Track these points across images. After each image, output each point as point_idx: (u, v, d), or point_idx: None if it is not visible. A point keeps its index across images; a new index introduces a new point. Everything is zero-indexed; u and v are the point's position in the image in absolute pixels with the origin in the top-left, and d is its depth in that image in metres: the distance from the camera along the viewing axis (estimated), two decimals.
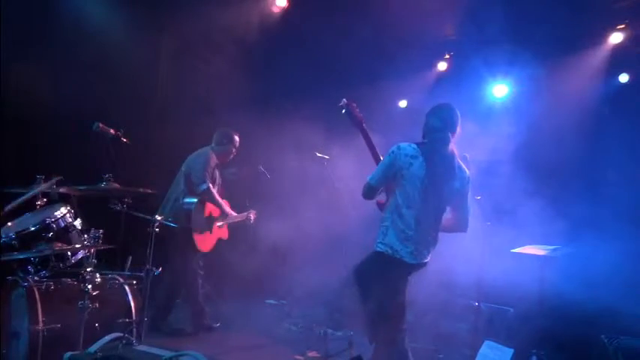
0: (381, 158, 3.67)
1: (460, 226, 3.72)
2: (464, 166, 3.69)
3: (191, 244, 5.13)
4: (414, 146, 3.56)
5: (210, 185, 5.19)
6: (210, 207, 5.37)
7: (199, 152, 5.36)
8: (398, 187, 3.55)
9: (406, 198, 3.52)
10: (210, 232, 5.39)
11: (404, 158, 3.51)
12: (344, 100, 3.84)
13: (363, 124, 3.78)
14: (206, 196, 5.20)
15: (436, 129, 3.60)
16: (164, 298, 5.24)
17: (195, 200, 5.17)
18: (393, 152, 3.54)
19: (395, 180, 3.56)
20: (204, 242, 5.30)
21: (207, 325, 5.39)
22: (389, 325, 3.57)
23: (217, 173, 5.42)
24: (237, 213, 5.68)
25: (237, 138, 5.46)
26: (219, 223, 5.50)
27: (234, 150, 5.47)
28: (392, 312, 3.57)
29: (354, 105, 3.83)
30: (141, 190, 4.13)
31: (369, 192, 3.64)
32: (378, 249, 3.58)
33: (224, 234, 5.64)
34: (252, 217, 5.80)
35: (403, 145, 3.56)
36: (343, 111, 3.83)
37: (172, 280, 5.23)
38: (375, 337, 3.64)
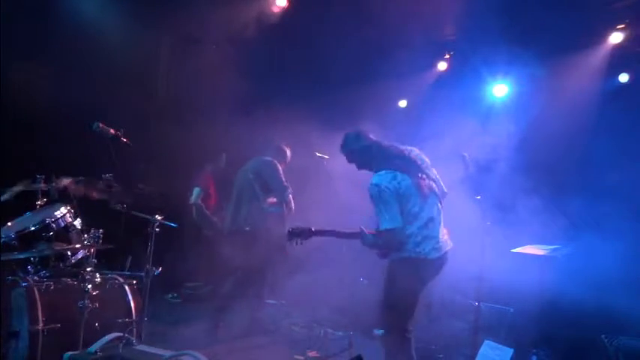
0: (349, 232, 3.68)
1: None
2: (413, 149, 3.79)
3: (284, 248, 5.18)
4: (383, 172, 3.61)
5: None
6: None
7: (265, 160, 5.36)
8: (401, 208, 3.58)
9: (410, 208, 3.58)
10: None
11: (391, 183, 3.56)
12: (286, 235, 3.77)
13: (313, 229, 3.72)
14: (289, 203, 5.28)
15: (370, 146, 3.73)
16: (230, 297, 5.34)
17: (281, 207, 5.28)
18: (383, 190, 3.53)
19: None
20: None
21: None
22: (403, 324, 3.61)
23: None
24: None
25: (289, 152, 5.54)
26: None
27: (287, 163, 5.55)
28: (409, 312, 3.63)
29: (294, 227, 3.76)
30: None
31: (400, 234, 3.54)
32: (403, 255, 3.61)
33: None
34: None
35: (376, 179, 3.58)
36: (295, 240, 3.74)
37: (242, 282, 5.32)
38: (390, 338, 3.68)
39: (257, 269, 5.23)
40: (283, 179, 5.27)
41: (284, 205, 5.28)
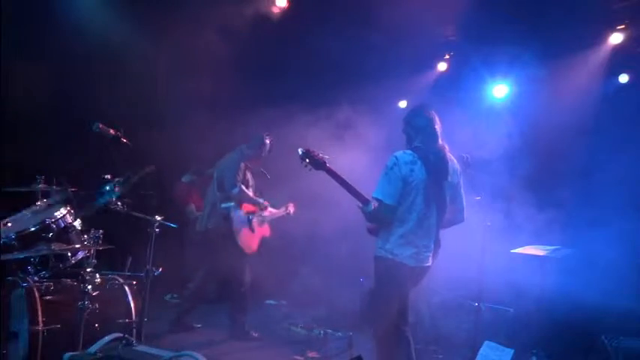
0: (357, 189, 3.56)
1: (457, 217, 3.78)
2: (452, 158, 3.73)
3: (236, 246, 5.19)
4: (410, 152, 3.58)
5: (243, 186, 5.21)
6: (247, 207, 5.36)
7: (229, 157, 5.37)
8: (401, 195, 3.52)
9: (409, 203, 3.52)
10: (253, 232, 5.40)
11: (404, 167, 3.51)
12: (300, 149, 3.64)
13: (327, 165, 3.62)
14: (239, 197, 5.22)
15: (423, 126, 3.64)
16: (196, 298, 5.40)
17: (232, 204, 5.21)
18: (395, 164, 3.51)
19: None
20: (249, 243, 5.33)
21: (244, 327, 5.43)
22: (392, 326, 3.59)
23: (249, 175, 5.41)
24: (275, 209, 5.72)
25: (268, 141, 5.42)
26: (257, 220, 5.47)
27: (264, 153, 5.44)
28: (394, 315, 3.59)
29: (312, 150, 3.65)
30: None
31: (390, 213, 3.49)
32: (379, 254, 3.60)
33: (266, 232, 5.64)
34: (291, 210, 5.80)
35: (399, 154, 3.57)
36: (306, 161, 3.61)
37: (205, 283, 5.38)
38: (379, 338, 3.66)
39: (220, 269, 5.23)
40: (236, 176, 5.15)
41: (233, 203, 5.20)
